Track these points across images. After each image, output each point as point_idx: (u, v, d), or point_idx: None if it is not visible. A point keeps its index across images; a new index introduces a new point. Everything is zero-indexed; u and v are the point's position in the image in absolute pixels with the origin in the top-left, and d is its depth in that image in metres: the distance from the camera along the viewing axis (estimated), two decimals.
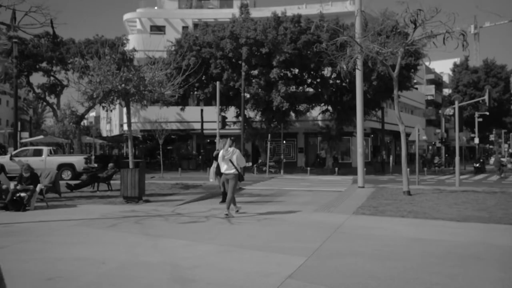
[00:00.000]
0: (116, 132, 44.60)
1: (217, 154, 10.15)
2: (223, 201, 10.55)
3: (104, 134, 54.37)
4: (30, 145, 28.17)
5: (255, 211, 9.69)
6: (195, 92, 30.10)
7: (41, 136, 34.96)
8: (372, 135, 39.88)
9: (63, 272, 4.83)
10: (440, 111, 52.81)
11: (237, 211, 9.51)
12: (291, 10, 31.41)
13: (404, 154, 13.51)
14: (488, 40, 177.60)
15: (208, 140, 36.54)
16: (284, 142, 34.37)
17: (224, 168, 9.11)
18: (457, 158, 18.82)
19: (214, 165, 11.02)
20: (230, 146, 9.10)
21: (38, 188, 10.07)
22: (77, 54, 28.24)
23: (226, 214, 8.90)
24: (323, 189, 16.10)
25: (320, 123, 33.64)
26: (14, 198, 9.70)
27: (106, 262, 5.26)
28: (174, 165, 33.12)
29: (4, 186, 10.16)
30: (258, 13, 34.85)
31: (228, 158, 8.99)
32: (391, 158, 34.08)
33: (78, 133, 30.74)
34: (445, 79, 70.74)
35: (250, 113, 30.16)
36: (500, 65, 59.27)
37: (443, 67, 72.83)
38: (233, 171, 9.00)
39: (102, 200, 11.77)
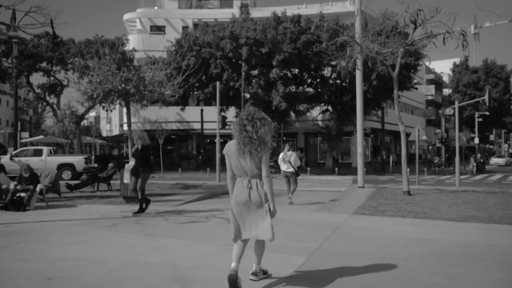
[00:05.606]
0: (116, 132, 44.59)
1: (136, 149, 9.26)
2: (137, 212, 9.06)
3: (104, 134, 54.35)
4: (30, 145, 28.20)
5: None
6: (195, 92, 30.10)
7: (41, 136, 35.01)
8: (372, 135, 39.89)
9: (63, 272, 4.83)
10: (440, 111, 52.82)
11: (290, 203, 11.10)
12: (291, 10, 31.43)
13: (404, 154, 13.50)
14: (488, 40, 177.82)
15: (208, 140, 36.54)
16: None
17: (284, 167, 11.20)
18: (457, 158, 18.82)
19: (131, 163, 9.95)
20: (288, 150, 11.23)
21: (38, 188, 10.06)
22: (77, 54, 28.26)
23: (291, 202, 11.11)
24: (323, 189, 16.11)
25: (320, 123, 33.64)
26: (14, 198, 9.68)
27: (106, 262, 5.26)
28: (174, 165, 33.14)
29: (4, 186, 10.16)
30: (258, 13, 34.89)
31: (287, 160, 11.09)
32: (391, 158, 34.10)
33: (78, 133, 30.77)
34: (445, 79, 70.79)
35: None
36: (500, 65, 59.30)
37: (443, 67, 72.90)
38: (291, 170, 11.13)
39: (102, 200, 11.77)
